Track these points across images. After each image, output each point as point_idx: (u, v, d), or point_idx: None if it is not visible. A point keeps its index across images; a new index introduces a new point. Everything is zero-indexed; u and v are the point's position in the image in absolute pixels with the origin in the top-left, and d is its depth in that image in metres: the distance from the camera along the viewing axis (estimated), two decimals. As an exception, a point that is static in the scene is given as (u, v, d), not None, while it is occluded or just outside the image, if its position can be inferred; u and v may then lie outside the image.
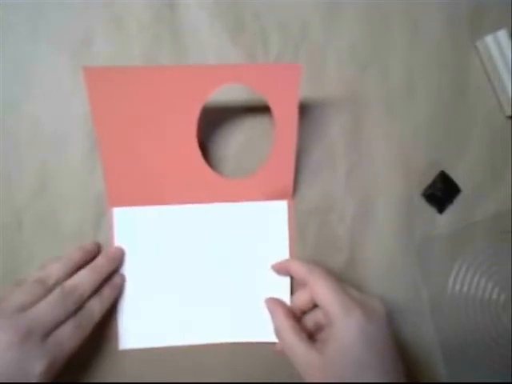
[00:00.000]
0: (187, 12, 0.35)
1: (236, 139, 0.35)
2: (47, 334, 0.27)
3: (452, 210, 0.37)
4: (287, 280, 0.34)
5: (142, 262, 0.33)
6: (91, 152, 0.34)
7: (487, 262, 0.36)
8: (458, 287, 0.36)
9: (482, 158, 0.37)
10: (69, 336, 0.28)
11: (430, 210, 0.37)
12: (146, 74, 0.30)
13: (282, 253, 0.34)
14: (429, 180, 0.37)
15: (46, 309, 0.27)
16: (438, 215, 0.37)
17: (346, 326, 0.26)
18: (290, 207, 0.35)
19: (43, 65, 0.34)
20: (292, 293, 0.34)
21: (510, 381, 0.35)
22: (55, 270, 0.29)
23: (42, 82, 0.34)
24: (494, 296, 0.36)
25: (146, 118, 0.31)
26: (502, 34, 0.36)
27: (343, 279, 0.35)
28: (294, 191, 0.35)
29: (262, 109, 0.33)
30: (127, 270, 0.33)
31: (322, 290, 0.28)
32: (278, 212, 0.35)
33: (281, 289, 0.34)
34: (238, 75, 0.31)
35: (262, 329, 0.34)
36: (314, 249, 0.35)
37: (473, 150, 0.37)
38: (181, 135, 0.31)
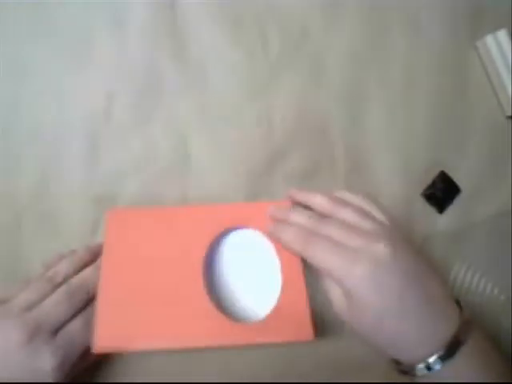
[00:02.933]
0: (187, 12, 0.35)
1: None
2: (56, 330, 0.27)
3: (452, 210, 0.37)
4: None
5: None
6: (91, 152, 0.34)
7: (487, 262, 0.36)
8: (458, 287, 0.36)
9: (482, 158, 0.37)
10: (79, 332, 0.28)
11: (430, 210, 0.37)
12: (159, 215, 0.31)
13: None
14: (429, 180, 0.37)
15: (54, 305, 0.27)
16: (438, 215, 0.37)
17: (351, 280, 0.25)
18: None
19: (43, 65, 0.34)
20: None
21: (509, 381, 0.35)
22: (62, 268, 0.29)
23: (42, 82, 0.34)
24: (494, 296, 0.36)
25: (155, 259, 0.31)
26: (502, 34, 0.36)
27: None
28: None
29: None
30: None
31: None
32: None
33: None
34: (242, 217, 0.32)
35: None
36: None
37: (473, 150, 0.37)
38: (188, 276, 0.30)
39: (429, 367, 0.25)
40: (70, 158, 0.34)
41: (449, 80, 0.37)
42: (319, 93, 0.36)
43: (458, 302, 0.27)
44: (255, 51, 0.35)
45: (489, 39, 0.36)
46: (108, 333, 0.28)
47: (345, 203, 0.29)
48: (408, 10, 0.37)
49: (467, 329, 0.25)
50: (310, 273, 0.30)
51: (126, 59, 0.34)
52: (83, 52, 0.34)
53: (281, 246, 0.31)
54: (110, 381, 0.33)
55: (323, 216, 0.29)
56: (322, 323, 0.33)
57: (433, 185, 0.36)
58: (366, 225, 0.27)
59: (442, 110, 0.37)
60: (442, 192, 0.36)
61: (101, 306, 0.29)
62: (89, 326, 0.28)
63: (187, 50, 0.35)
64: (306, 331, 0.29)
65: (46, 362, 0.26)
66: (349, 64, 0.36)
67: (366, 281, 0.25)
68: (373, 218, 0.28)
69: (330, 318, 0.33)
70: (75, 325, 0.28)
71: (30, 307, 0.27)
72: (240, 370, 0.34)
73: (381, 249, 0.25)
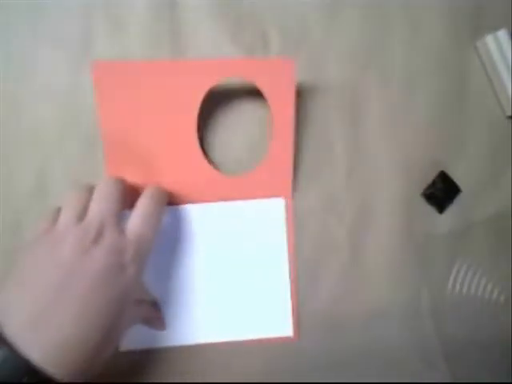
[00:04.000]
0: (187, 12, 0.35)
1: (236, 137, 0.35)
2: (120, 227, 0.26)
3: (452, 210, 0.37)
4: (287, 279, 0.34)
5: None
6: (91, 152, 0.34)
7: (487, 262, 0.36)
8: (458, 287, 0.36)
9: (482, 158, 0.37)
10: (141, 224, 0.27)
11: (430, 210, 0.37)
12: (148, 68, 0.31)
13: (281, 251, 0.34)
14: (429, 180, 0.37)
15: (102, 202, 0.26)
16: (438, 215, 0.37)
17: None
18: (288, 206, 0.35)
19: (43, 65, 0.34)
20: (292, 291, 0.34)
21: (509, 381, 0.35)
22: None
23: (41, 81, 0.34)
24: (494, 296, 0.36)
25: (148, 114, 0.31)
26: (502, 34, 0.36)
27: (343, 279, 0.35)
28: (293, 191, 0.35)
29: (262, 107, 0.33)
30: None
31: None
32: (275, 210, 0.35)
33: (281, 288, 0.34)
34: (236, 70, 0.31)
35: (260, 326, 0.34)
36: (314, 249, 0.35)
37: (473, 150, 0.37)
38: (181, 131, 0.32)
39: None
40: (69, 158, 0.34)
41: (449, 80, 0.37)
42: (319, 93, 0.36)
43: None
44: (255, 51, 0.35)
45: (489, 39, 0.36)
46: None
47: None
48: (408, 10, 0.37)
49: None
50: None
51: (125, 59, 0.34)
52: (83, 52, 0.34)
53: (277, 108, 0.32)
54: (116, 380, 0.33)
55: None
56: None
57: (433, 185, 0.36)
58: None
59: (442, 110, 0.37)
60: (442, 192, 0.36)
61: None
62: (148, 217, 0.27)
63: (187, 50, 0.35)
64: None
65: (123, 253, 0.25)
66: (349, 64, 0.36)
67: None
68: None
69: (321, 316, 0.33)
70: (135, 219, 0.27)
71: (79, 217, 0.25)
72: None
73: None
